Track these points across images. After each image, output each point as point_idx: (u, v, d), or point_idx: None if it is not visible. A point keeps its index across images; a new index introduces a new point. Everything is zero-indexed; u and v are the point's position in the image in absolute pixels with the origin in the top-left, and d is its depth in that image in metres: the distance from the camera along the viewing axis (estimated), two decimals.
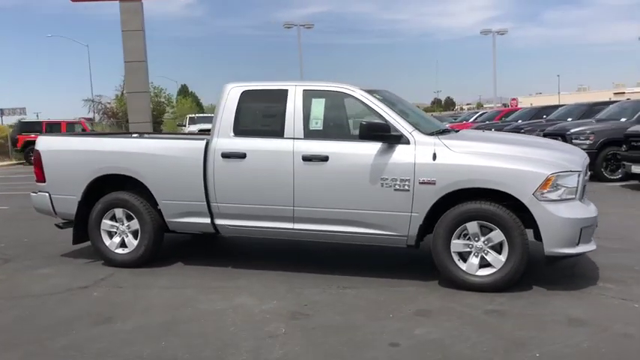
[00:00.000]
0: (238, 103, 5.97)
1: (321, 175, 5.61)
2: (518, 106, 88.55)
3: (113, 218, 6.37)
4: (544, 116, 15.54)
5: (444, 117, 39.21)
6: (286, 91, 5.89)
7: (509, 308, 4.82)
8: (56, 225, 6.86)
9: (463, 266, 5.31)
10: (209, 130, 6.19)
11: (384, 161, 5.42)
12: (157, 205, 6.22)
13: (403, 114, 5.72)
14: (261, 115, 6.31)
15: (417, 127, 5.58)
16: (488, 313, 4.72)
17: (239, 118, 5.96)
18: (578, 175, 5.24)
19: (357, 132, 5.68)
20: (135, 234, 6.32)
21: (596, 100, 21.00)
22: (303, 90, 5.85)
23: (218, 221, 6.02)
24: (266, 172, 5.77)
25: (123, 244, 6.38)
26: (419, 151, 5.37)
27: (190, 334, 4.36)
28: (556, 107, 20.10)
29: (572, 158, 5.46)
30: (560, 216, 5.07)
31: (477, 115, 26.80)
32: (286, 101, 5.83)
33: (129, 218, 6.33)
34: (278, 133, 5.82)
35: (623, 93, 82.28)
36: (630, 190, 11.64)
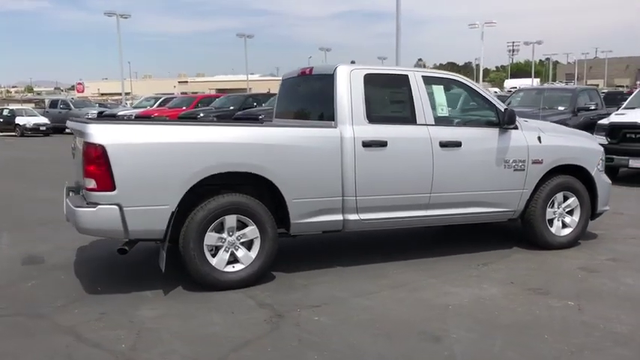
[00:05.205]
0: (364, 87, 5.52)
1: (456, 160, 5.80)
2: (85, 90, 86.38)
3: (217, 229, 4.99)
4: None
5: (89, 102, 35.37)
6: (407, 76, 5.77)
7: (611, 258, 6.11)
8: (120, 250, 4.84)
9: (553, 230, 6.39)
10: None
11: (505, 145, 6.02)
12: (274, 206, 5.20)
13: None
14: (388, 100, 5.92)
15: None
16: (612, 261, 5.98)
17: (369, 104, 5.52)
18: None
19: (469, 117, 6.13)
20: (247, 245, 5.11)
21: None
22: (422, 76, 5.83)
23: (351, 216, 5.45)
24: (408, 160, 5.60)
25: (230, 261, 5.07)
26: (527, 136, 6.16)
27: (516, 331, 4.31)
28: (269, 95, 21.65)
29: (594, 137, 7.15)
30: (606, 182, 6.70)
31: (161, 100, 26.04)
32: (410, 87, 5.72)
33: (240, 227, 5.07)
34: (410, 119, 5.69)
35: (187, 82, 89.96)
36: None
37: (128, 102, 46.67)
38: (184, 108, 21.62)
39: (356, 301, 4.78)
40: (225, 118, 17.97)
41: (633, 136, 10.88)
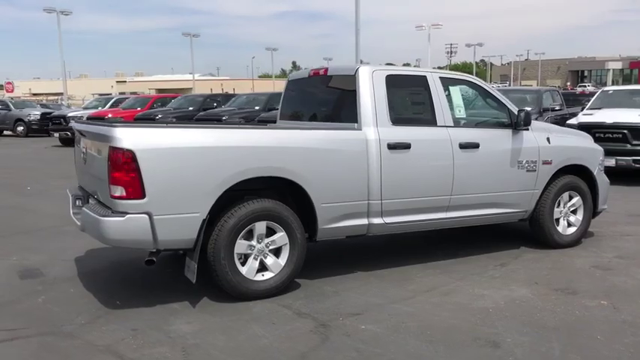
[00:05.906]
0: (386, 88, 5.42)
1: (474, 162, 5.78)
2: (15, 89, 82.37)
3: (246, 236, 4.78)
4: (256, 107, 16.29)
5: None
6: (425, 77, 5.71)
7: (617, 256, 6.25)
8: (147, 262, 4.53)
9: (560, 229, 6.49)
10: None
11: (518, 146, 6.05)
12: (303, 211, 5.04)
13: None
14: (409, 102, 5.82)
15: None
16: (619, 258, 6.12)
17: (392, 106, 5.42)
18: None
19: (485, 119, 6.13)
20: (274, 252, 4.92)
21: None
22: (439, 77, 5.79)
23: (375, 220, 5.34)
24: (430, 162, 5.55)
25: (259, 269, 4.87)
26: (537, 136, 6.22)
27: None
28: (229, 95, 21.15)
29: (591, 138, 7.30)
30: (606, 181, 6.86)
31: (113, 101, 24.97)
32: (429, 88, 5.67)
33: (268, 233, 4.87)
34: (431, 121, 5.64)
35: (125, 82, 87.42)
36: None
37: (64, 102, 44.94)
38: (139, 109, 20.85)
39: (394, 308, 4.67)
40: (184, 119, 17.52)
41: (602, 135, 11.24)
